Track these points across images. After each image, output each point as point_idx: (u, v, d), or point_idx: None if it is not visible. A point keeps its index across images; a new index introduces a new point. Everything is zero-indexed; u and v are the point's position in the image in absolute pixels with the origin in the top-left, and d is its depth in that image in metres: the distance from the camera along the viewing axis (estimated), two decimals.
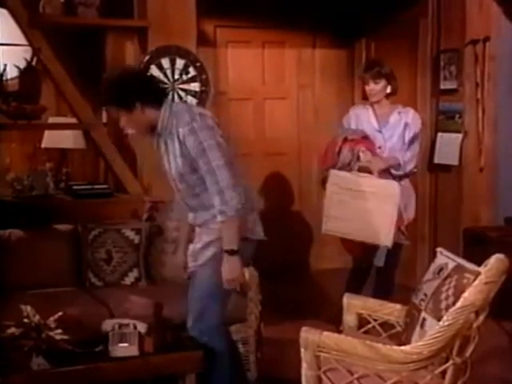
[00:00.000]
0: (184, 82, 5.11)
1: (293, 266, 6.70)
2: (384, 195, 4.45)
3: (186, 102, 3.29)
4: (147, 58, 5.03)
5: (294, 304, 5.64)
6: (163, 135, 3.40)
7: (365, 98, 4.85)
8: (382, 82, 4.66)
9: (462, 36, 5.67)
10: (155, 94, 3.39)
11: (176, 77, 5.06)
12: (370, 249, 4.63)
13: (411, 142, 4.70)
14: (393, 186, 4.49)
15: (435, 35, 5.89)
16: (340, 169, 4.65)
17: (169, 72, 5.05)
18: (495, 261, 2.79)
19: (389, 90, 4.69)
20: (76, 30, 5.44)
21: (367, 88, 4.71)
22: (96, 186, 5.30)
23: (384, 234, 4.44)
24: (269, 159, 6.59)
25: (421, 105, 5.98)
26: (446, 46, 5.82)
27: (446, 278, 2.98)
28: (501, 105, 5.81)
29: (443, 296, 2.93)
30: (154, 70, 5.02)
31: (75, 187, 5.20)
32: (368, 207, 4.46)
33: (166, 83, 5.04)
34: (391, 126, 4.73)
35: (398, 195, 4.44)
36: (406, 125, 4.70)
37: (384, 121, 4.75)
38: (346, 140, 4.68)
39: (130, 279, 4.47)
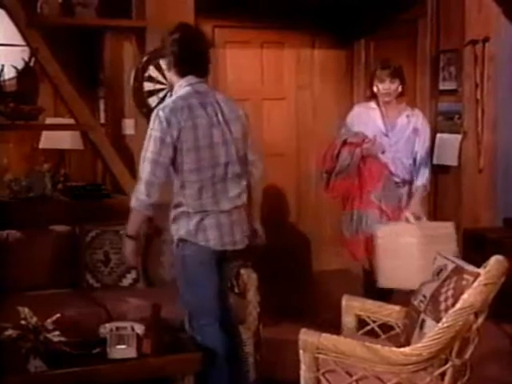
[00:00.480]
0: None
1: (291, 267, 6.69)
2: (440, 236, 4.26)
3: (197, 93, 3.29)
4: (145, 58, 5.03)
5: (292, 305, 5.64)
6: None
7: (371, 97, 4.70)
8: (397, 82, 4.54)
9: (461, 36, 5.67)
10: (186, 63, 3.45)
11: None
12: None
13: (427, 153, 4.64)
14: (446, 226, 4.43)
15: (434, 35, 5.89)
16: (338, 173, 4.55)
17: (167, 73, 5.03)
18: (494, 262, 2.79)
19: (400, 89, 4.58)
20: (74, 30, 5.45)
21: (381, 87, 4.54)
22: (94, 187, 5.30)
23: None
24: (267, 160, 6.41)
25: (420, 105, 5.96)
26: (445, 46, 5.82)
27: (445, 280, 2.98)
28: (500, 105, 5.81)
29: (442, 298, 2.93)
30: (152, 71, 5.02)
31: (73, 188, 5.20)
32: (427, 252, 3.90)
33: (164, 84, 5.05)
34: (399, 130, 4.60)
35: (453, 233, 4.35)
36: (416, 131, 4.58)
37: (391, 124, 4.60)
38: (345, 143, 4.57)
39: (127, 281, 4.48)
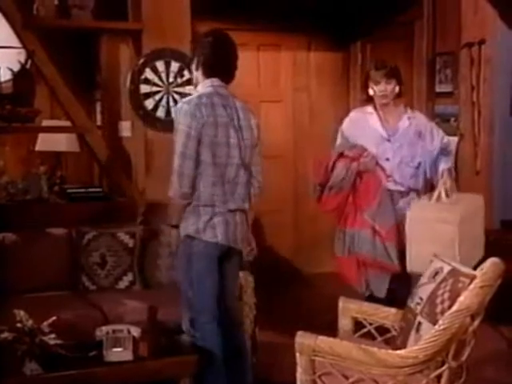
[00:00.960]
0: (179, 85, 5.11)
1: (288, 269, 6.71)
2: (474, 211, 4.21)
3: (218, 94, 3.57)
4: (142, 60, 5.03)
5: (288, 308, 5.64)
6: None
7: (367, 100, 4.45)
8: (393, 82, 4.29)
9: (457, 39, 5.68)
10: (214, 65, 3.63)
11: (171, 80, 5.06)
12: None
13: (445, 144, 4.40)
14: (477, 198, 4.39)
15: (431, 38, 5.90)
16: (332, 187, 4.34)
17: (163, 75, 5.04)
18: (491, 264, 2.80)
19: (397, 90, 4.34)
20: (70, 32, 5.44)
21: (377, 88, 4.30)
22: (90, 190, 5.30)
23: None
24: (264, 163, 6.54)
25: (417, 108, 5.96)
26: (441, 48, 5.83)
27: (441, 282, 2.98)
28: (496, 108, 5.83)
29: (439, 300, 2.93)
30: (148, 73, 5.02)
31: (69, 190, 5.20)
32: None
33: (160, 86, 5.05)
34: (401, 134, 4.34)
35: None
36: (419, 134, 4.34)
37: (392, 128, 4.35)
38: (341, 155, 4.34)
39: (124, 283, 4.48)
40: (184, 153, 3.49)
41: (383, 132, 4.33)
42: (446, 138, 4.45)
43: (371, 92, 4.35)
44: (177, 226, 3.61)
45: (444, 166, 4.27)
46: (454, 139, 5.71)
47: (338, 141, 4.50)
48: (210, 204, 3.56)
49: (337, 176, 4.33)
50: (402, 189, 4.36)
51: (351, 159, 4.31)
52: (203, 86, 3.63)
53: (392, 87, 4.30)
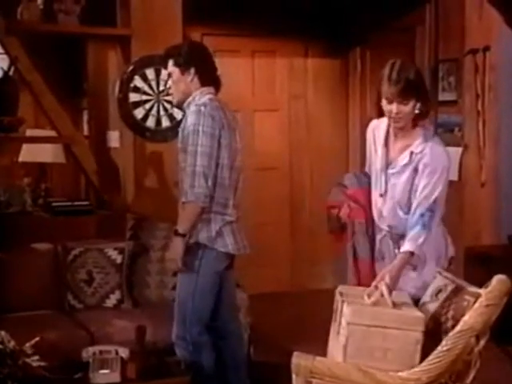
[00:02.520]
0: (169, 94, 5.11)
1: (285, 285, 6.70)
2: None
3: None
4: (131, 68, 5.04)
5: (285, 326, 5.63)
6: (185, 112, 3.79)
7: (379, 115, 3.48)
8: (412, 101, 3.27)
9: (461, 45, 5.70)
10: (210, 74, 3.83)
11: (161, 88, 5.07)
12: None
13: (427, 206, 3.28)
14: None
15: (433, 44, 5.92)
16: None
17: (153, 83, 5.05)
18: (497, 282, 2.80)
19: (417, 110, 3.31)
20: (56, 38, 5.46)
21: (388, 108, 3.30)
22: (76, 203, 5.30)
23: None
24: (259, 174, 6.59)
25: None
26: (444, 55, 5.85)
27: (444, 301, 2.99)
28: (502, 117, 5.84)
29: (442, 319, 2.93)
30: (138, 81, 5.03)
31: (54, 204, 5.20)
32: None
33: (150, 95, 5.06)
34: (397, 171, 3.40)
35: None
36: (415, 171, 3.34)
37: (394, 158, 3.43)
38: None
39: (111, 301, 4.47)
40: (209, 153, 3.61)
41: (381, 161, 3.45)
42: (430, 199, 3.29)
43: (383, 106, 3.35)
44: (184, 235, 3.63)
45: (407, 245, 3.23)
46: (458, 150, 5.73)
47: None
48: (222, 210, 3.70)
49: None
50: (398, 232, 3.42)
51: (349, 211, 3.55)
52: (201, 93, 3.77)
53: (409, 109, 3.28)
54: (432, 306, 3.03)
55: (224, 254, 3.73)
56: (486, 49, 5.65)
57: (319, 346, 3.44)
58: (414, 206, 3.30)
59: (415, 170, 3.32)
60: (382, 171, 3.43)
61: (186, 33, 5.30)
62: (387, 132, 3.43)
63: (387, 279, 3.09)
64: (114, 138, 5.49)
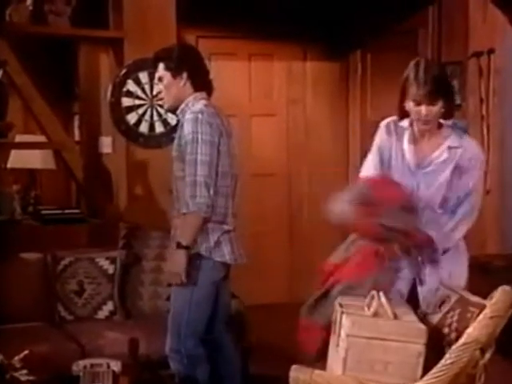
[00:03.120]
0: (161, 99, 5.12)
1: (283, 296, 6.69)
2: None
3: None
4: (124, 71, 5.04)
5: (282, 339, 5.62)
6: (180, 119, 3.79)
7: (401, 116, 3.44)
8: (440, 102, 3.27)
9: (464, 48, 5.71)
10: (203, 79, 3.84)
11: (155, 92, 5.07)
12: None
13: (463, 197, 3.34)
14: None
15: (436, 47, 5.93)
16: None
17: (147, 87, 5.06)
18: (501, 293, 2.80)
19: (443, 108, 3.30)
20: (46, 40, 5.45)
21: (415, 110, 3.29)
22: (67, 211, 5.30)
23: None
24: (256, 181, 6.59)
25: None
26: (447, 58, 5.85)
27: (448, 312, 2.99)
28: (507, 122, 5.85)
29: (445, 331, 2.93)
30: (131, 85, 5.04)
31: (44, 212, 5.20)
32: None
33: (143, 99, 5.06)
34: (432, 169, 3.35)
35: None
36: (457, 168, 3.32)
37: (424, 158, 3.37)
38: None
39: (103, 313, 4.47)
40: (210, 162, 3.62)
41: (411, 160, 3.37)
42: (473, 196, 3.37)
43: (407, 108, 3.34)
44: (187, 247, 3.62)
45: (443, 223, 3.31)
46: None
47: (370, 156, 3.54)
48: (221, 220, 3.71)
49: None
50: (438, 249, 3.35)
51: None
52: (195, 99, 3.77)
53: (437, 109, 3.27)
54: (435, 318, 3.03)
55: (221, 263, 3.74)
56: (491, 51, 5.67)
57: (318, 359, 3.44)
58: (460, 197, 3.33)
59: (457, 166, 3.31)
60: (411, 172, 3.36)
61: (180, 35, 5.31)
62: (412, 133, 3.38)
63: None
64: (106, 144, 5.49)
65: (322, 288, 3.53)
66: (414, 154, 3.36)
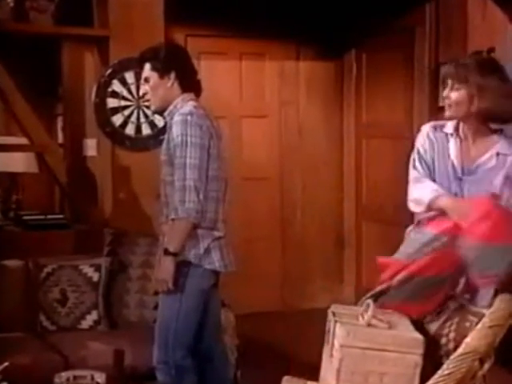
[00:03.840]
0: (147, 100, 5.12)
1: (274, 305, 6.69)
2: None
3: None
4: (109, 71, 5.04)
5: (274, 349, 5.62)
6: (168, 122, 3.79)
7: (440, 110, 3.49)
8: (463, 90, 3.17)
9: (463, 47, 5.71)
10: (191, 79, 3.84)
11: (141, 93, 5.04)
12: None
13: None
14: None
15: (433, 46, 5.94)
16: None
17: (133, 87, 5.05)
18: (501, 301, 2.80)
19: (475, 107, 3.17)
20: (28, 38, 5.43)
21: (443, 94, 3.32)
22: (50, 216, 5.29)
23: None
24: (247, 185, 6.59)
25: (417, 123, 5.98)
26: (445, 57, 5.85)
27: (446, 321, 2.99)
28: (508, 124, 5.85)
29: (443, 341, 2.93)
30: (116, 86, 5.03)
31: (26, 217, 5.19)
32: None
33: (130, 100, 5.05)
34: (479, 175, 3.21)
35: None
36: (508, 179, 3.16)
37: (471, 162, 3.24)
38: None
39: (87, 322, 4.45)
40: (200, 165, 3.62)
41: (458, 165, 3.24)
42: None
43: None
44: (175, 254, 3.61)
45: None
46: None
47: (416, 171, 3.35)
48: (211, 226, 3.70)
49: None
50: None
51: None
52: (183, 100, 3.77)
53: (462, 97, 3.18)
54: (432, 327, 3.03)
55: (210, 271, 3.73)
56: (491, 50, 5.66)
57: (311, 370, 3.44)
58: None
59: (508, 176, 3.15)
60: (456, 177, 3.23)
61: (168, 34, 5.31)
62: (458, 136, 3.28)
63: None
64: (90, 147, 5.48)
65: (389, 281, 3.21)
66: (460, 159, 3.23)
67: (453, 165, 3.23)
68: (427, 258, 3.08)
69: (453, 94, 3.19)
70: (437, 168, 3.28)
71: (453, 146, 3.26)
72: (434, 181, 3.27)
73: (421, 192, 3.27)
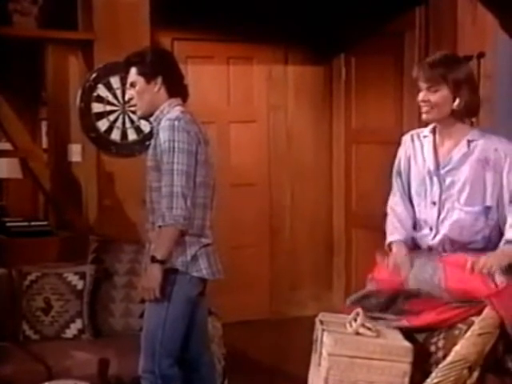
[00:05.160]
0: (132, 105, 5.12)
1: (262, 313, 6.69)
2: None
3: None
4: (94, 75, 5.03)
5: (262, 357, 5.62)
6: (154, 127, 3.79)
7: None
8: (444, 91, 3.26)
9: (453, 51, 5.71)
10: (178, 84, 3.83)
11: (127, 98, 5.05)
12: None
13: None
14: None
15: (423, 50, 5.95)
16: None
17: (118, 92, 5.04)
18: (490, 309, 2.81)
19: (456, 105, 3.27)
20: (11, 41, 5.42)
21: (419, 96, 3.35)
22: (34, 223, 5.28)
23: None
24: (235, 191, 6.59)
25: (407, 128, 5.95)
26: None
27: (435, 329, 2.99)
28: (498, 129, 5.86)
29: (432, 349, 2.94)
30: (101, 90, 5.02)
31: (10, 224, 5.18)
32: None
33: (115, 105, 5.05)
34: (454, 165, 3.33)
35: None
36: (481, 161, 3.27)
37: (445, 156, 3.37)
38: None
39: (71, 331, 4.43)
40: (188, 172, 3.61)
41: (431, 163, 3.37)
42: None
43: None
44: (162, 262, 3.60)
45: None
46: None
47: (393, 183, 3.61)
48: (199, 233, 3.70)
49: None
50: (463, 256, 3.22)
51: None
52: (169, 105, 3.77)
53: (443, 98, 3.27)
54: (421, 335, 3.04)
55: (198, 279, 3.72)
56: (481, 55, 5.69)
57: (299, 379, 3.44)
58: (505, 193, 3.24)
59: (480, 159, 3.25)
60: (433, 174, 3.35)
61: (154, 37, 5.30)
62: (433, 137, 3.41)
63: (494, 268, 3.05)
64: (75, 152, 5.47)
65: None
66: (434, 157, 3.36)
67: (429, 166, 3.37)
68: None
69: (432, 97, 3.27)
70: (413, 176, 3.45)
71: (428, 147, 3.40)
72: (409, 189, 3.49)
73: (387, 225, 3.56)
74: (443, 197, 3.33)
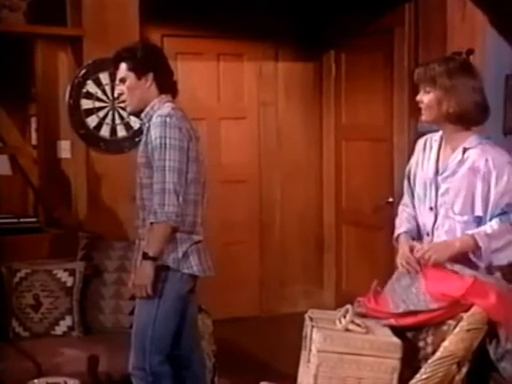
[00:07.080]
0: (122, 102, 5.11)
1: (252, 310, 6.69)
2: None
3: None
4: (83, 72, 5.03)
5: (252, 354, 5.63)
6: (144, 123, 3.80)
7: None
8: (432, 93, 3.29)
9: (442, 48, 5.73)
10: (168, 80, 3.84)
11: (116, 93, 5.05)
12: None
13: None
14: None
15: (413, 47, 5.96)
16: None
17: (108, 88, 5.05)
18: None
19: (444, 110, 3.28)
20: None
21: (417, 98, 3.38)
22: (23, 220, 5.28)
23: None
24: (225, 188, 6.59)
25: (397, 125, 6.05)
26: (424, 58, 5.87)
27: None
28: (488, 126, 5.87)
29: (421, 344, 2.94)
30: (90, 86, 5.02)
31: None
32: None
33: (104, 101, 5.04)
34: (449, 172, 3.32)
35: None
36: (476, 172, 3.23)
37: (444, 162, 3.37)
38: None
39: (61, 328, 4.44)
40: (180, 168, 3.61)
41: (432, 167, 3.38)
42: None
43: None
44: (154, 259, 3.61)
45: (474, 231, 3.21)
46: None
47: (404, 184, 3.60)
48: (190, 230, 3.70)
49: None
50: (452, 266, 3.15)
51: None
52: (160, 101, 3.77)
53: (431, 100, 3.31)
54: (410, 331, 3.04)
55: (189, 276, 3.73)
56: (470, 52, 5.69)
57: (289, 375, 3.45)
58: (490, 206, 3.20)
59: (471, 168, 3.22)
60: (432, 180, 3.36)
61: (143, 34, 5.30)
62: (440, 142, 3.40)
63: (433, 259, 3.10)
64: (64, 149, 5.45)
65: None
66: (435, 162, 3.36)
67: (430, 171, 3.37)
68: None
69: (425, 98, 3.31)
70: (417, 179, 3.44)
71: (433, 152, 3.39)
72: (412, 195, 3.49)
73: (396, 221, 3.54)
74: (439, 203, 3.33)
